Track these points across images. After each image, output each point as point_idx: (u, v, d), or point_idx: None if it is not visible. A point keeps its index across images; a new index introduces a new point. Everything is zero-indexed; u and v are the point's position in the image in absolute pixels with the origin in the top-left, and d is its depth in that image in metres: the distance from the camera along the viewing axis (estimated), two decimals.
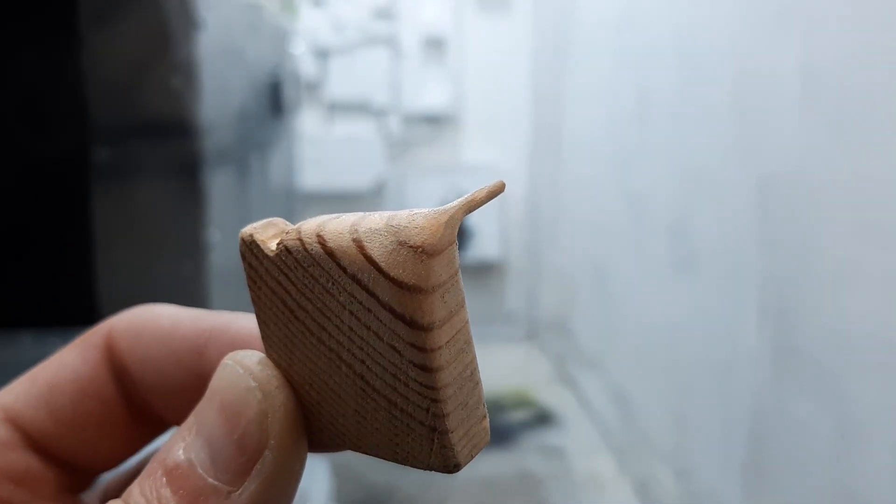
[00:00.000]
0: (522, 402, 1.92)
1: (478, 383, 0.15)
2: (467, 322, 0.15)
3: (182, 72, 0.74)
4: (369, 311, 0.14)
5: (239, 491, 0.15)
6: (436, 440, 0.14)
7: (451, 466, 0.15)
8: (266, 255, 0.16)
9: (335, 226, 0.14)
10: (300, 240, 0.15)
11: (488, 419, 0.15)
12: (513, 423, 1.79)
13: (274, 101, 1.22)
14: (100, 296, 0.77)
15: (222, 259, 0.82)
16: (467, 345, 0.15)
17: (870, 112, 0.70)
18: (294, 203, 1.58)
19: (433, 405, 0.14)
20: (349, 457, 0.18)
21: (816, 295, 0.79)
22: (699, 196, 1.13)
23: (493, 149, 2.45)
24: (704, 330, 1.10)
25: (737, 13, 1.00)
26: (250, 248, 0.16)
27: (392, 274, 0.13)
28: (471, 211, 0.14)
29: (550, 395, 1.96)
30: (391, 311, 0.14)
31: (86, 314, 0.77)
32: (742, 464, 0.96)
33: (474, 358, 0.15)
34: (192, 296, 0.77)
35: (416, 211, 0.14)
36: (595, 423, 1.73)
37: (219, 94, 0.84)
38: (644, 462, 1.38)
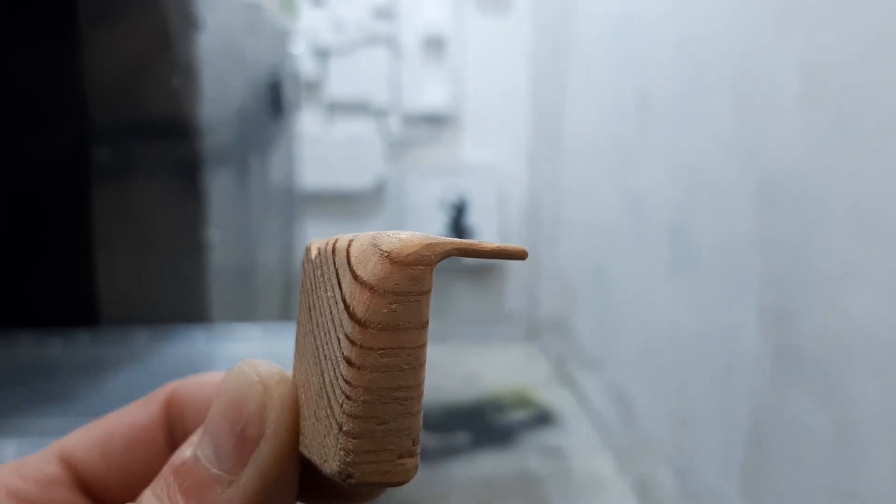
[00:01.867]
0: (522, 402, 1.92)
1: (412, 414, 0.14)
2: (421, 348, 0.14)
3: (182, 72, 0.74)
4: (336, 303, 0.15)
5: (238, 479, 0.15)
6: (339, 439, 0.14)
7: (345, 475, 0.14)
8: (309, 259, 0.17)
9: (355, 233, 0.15)
10: (326, 242, 0.16)
11: (417, 461, 0.15)
12: (513, 423, 1.79)
13: (274, 101, 1.22)
14: (100, 296, 0.77)
15: (222, 259, 0.82)
16: (412, 369, 0.14)
17: (870, 112, 0.70)
18: (294, 203, 1.58)
19: (345, 402, 0.14)
20: None
21: (816, 295, 0.79)
22: (699, 196, 1.13)
23: (493, 149, 2.45)
24: (704, 330, 1.10)
25: (737, 13, 1.00)
26: (306, 254, 0.17)
27: (354, 267, 0.14)
28: (466, 255, 0.14)
29: (550, 395, 1.96)
30: (343, 301, 0.14)
31: (86, 314, 0.77)
32: (742, 464, 0.96)
33: (417, 388, 0.14)
34: (192, 296, 0.77)
35: (415, 231, 0.15)
36: (595, 423, 1.73)
37: (219, 94, 0.84)
38: (644, 462, 1.38)
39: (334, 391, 0.14)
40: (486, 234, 2.41)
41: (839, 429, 0.74)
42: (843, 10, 0.74)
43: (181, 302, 0.79)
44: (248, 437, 0.15)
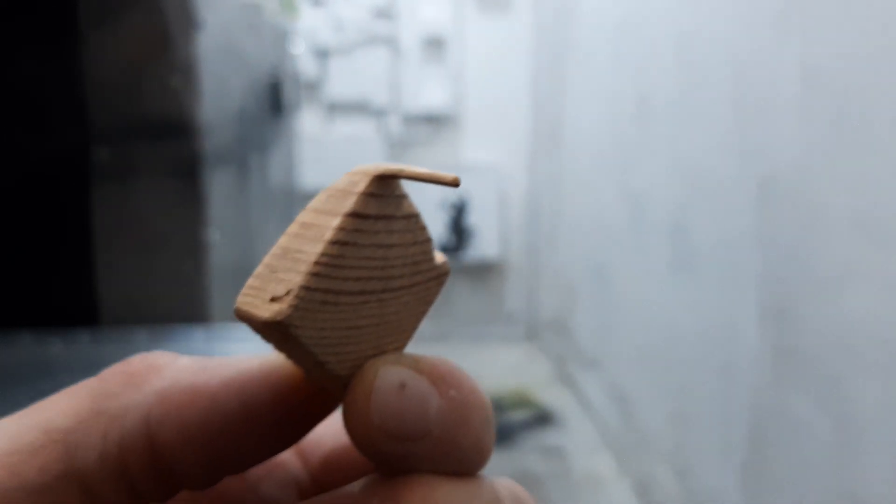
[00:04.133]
0: (522, 402, 1.92)
1: (299, 272, 0.16)
2: (331, 229, 0.16)
3: (182, 72, 0.74)
4: None
5: None
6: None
7: (235, 305, 0.17)
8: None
9: None
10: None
11: (286, 311, 0.16)
12: (513, 423, 1.79)
13: (274, 101, 1.22)
14: (100, 296, 0.77)
15: (222, 259, 0.82)
16: (317, 241, 0.16)
17: (870, 112, 0.70)
18: (294, 203, 1.58)
19: (264, 257, 0.17)
20: None
21: (816, 295, 0.79)
22: (699, 195, 1.13)
23: (493, 149, 2.45)
24: (704, 330, 1.10)
25: (737, 13, 1.00)
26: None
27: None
28: (398, 176, 0.17)
29: (550, 395, 1.96)
30: None
31: (86, 314, 0.77)
32: (742, 464, 0.96)
33: (314, 256, 0.16)
34: (192, 296, 0.77)
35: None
36: (595, 423, 1.73)
37: (219, 94, 0.84)
38: (644, 462, 1.38)
39: None
40: (486, 233, 2.41)
41: (839, 429, 0.74)
42: (842, 9, 0.74)
43: (181, 302, 0.79)
44: None
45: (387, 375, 0.16)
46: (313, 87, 2.36)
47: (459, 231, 2.40)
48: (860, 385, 0.71)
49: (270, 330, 0.16)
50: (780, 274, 0.87)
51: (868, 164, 0.70)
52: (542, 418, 1.85)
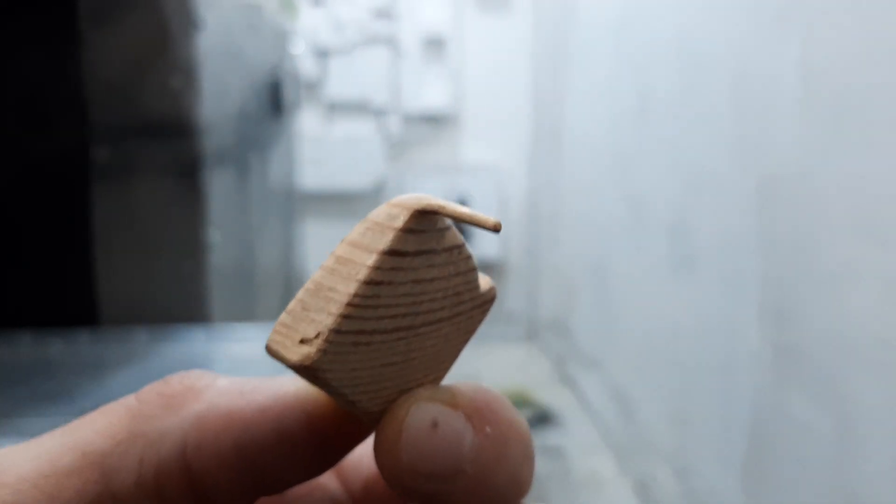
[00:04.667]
0: (522, 402, 1.92)
1: (329, 313, 0.15)
2: (366, 267, 0.15)
3: (182, 72, 0.74)
4: None
5: None
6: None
7: (266, 342, 0.16)
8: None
9: None
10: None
11: (314, 355, 0.15)
12: None
13: (274, 101, 1.22)
14: (100, 296, 0.77)
15: (222, 259, 0.82)
16: (350, 280, 0.15)
17: (870, 112, 0.70)
18: (294, 203, 1.58)
19: (299, 291, 0.16)
20: None
21: (816, 295, 0.79)
22: (699, 196, 1.13)
23: (493, 149, 2.45)
24: (704, 330, 1.10)
25: (737, 13, 1.00)
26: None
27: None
28: (440, 213, 0.16)
29: (550, 395, 1.96)
30: None
31: (86, 314, 0.77)
32: (742, 464, 0.96)
33: (347, 296, 0.15)
34: (192, 296, 0.77)
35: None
36: (595, 423, 1.73)
37: (219, 94, 0.84)
38: (644, 462, 1.38)
39: None
40: (485, 233, 2.41)
41: (839, 429, 0.74)
42: (842, 10, 0.74)
43: (181, 302, 0.79)
44: None
45: (418, 413, 0.16)
46: (313, 87, 2.36)
47: (460, 231, 2.40)
48: (860, 385, 0.71)
49: (299, 372, 0.15)
50: (780, 274, 0.87)
51: (868, 164, 0.70)
52: (542, 418, 1.85)
